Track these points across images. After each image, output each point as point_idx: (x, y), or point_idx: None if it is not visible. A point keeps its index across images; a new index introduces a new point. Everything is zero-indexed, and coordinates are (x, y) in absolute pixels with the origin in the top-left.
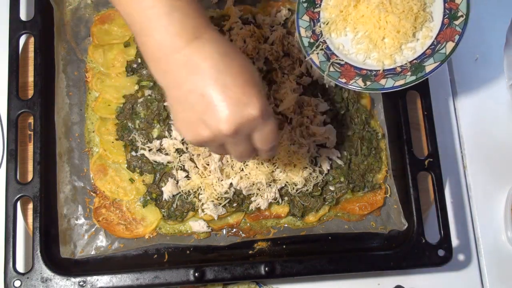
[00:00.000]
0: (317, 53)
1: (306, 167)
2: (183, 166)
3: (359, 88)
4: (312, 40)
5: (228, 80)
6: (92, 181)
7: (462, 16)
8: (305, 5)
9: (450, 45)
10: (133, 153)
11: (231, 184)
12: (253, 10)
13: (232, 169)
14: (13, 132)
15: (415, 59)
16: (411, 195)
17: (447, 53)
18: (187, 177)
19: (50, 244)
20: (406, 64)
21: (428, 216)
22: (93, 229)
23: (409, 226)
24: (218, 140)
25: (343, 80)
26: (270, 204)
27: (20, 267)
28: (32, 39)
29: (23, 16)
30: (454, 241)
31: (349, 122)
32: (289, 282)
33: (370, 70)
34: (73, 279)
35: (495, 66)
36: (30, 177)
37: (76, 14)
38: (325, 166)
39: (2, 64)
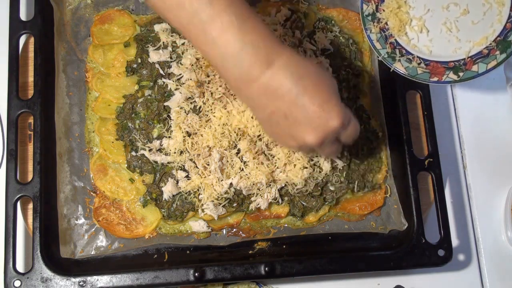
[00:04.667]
0: (399, 61)
1: (306, 167)
2: (183, 166)
3: (455, 81)
4: (389, 50)
5: (306, 101)
6: (92, 181)
7: None
8: (369, 18)
9: None
10: (133, 153)
11: (231, 184)
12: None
13: (232, 169)
14: (13, 132)
15: (498, 37)
16: (411, 195)
17: None
18: (187, 177)
19: (50, 244)
20: (491, 44)
21: (428, 216)
22: (93, 229)
23: (409, 226)
24: (307, 148)
25: (436, 79)
26: (270, 204)
27: (20, 267)
28: (32, 39)
29: (23, 16)
30: (454, 241)
31: None
32: (289, 282)
33: (457, 61)
34: (73, 279)
35: None
36: (30, 177)
37: (76, 14)
38: (325, 166)
39: (2, 64)
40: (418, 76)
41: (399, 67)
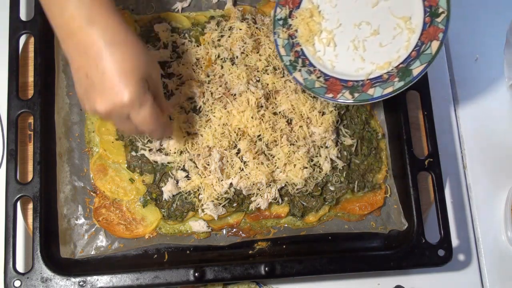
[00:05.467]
0: (300, 71)
1: (306, 167)
2: (183, 166)
3: (347, 102)
4: (293, 58)
5: (108, 68)
6: (92, 181)
7: (443, 12)
8: (280, 22)
9: (435, 44)
10: (133, 153)
11: (231, 184)
12: (253, 10)
13: (232, 169)
14: (13, 132)
15: (401, 63)
16: (411, 195)
17: (433, 53)
18: (187, 177)
19: (50, 244)
20: (392, 70)
21: (428, 216)
22: (93, 229)
23: (409, 226)
24: (98, 115)
25: (330, 95)
26: (270, 204)
27: (20, 267)
28: (32, 39)
29: (23, 16)
30: (454, 241)
31: (349, 122)
32: (289, 282)
33: (357, 81)
34: (73, 279)
35: (495, 66)
36: (30, 177)
37: None
38: (325, 166)
39: (2, 64)
40: (314, 89)
41: (298, 77)
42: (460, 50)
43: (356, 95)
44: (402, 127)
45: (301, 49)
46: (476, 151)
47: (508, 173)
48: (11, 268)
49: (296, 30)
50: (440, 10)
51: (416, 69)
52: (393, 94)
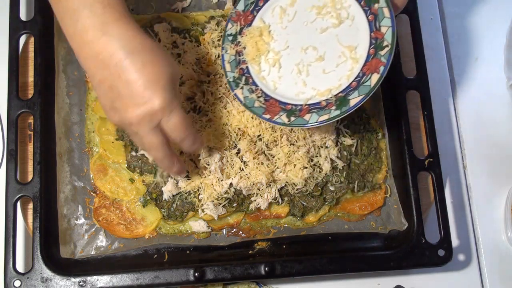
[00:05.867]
0: (242, 88)
1: (306, 167)
2: None
3: (283, 124)
4: (237, 75)
5: (132, 77)
6: (92, 181)
7: (387, 46)
8: (230, 38)
9: (375, 77)
10: (133, 153)
11: (231, 184)
12: None
13: (232, 169)
14: (13, 132)
15: (340, 92)
16: (411, 195)
17: (372, 85)
18: (187, 177)
19: (50, 244)
20: (331, 97)
21: (428, 216)
22: (93, 229)
23: (409, 226)
24: (127, 126)
25: (267, 116)
26: (270, 204)
27: (20, 267)
28: (32, 39)
29: (23, 16)
30: (454, 241)
31: (349, 122)
32: (289, 282)
33: (296, 105)
34: (73, 279)
35: (495, 66)
36: (30, 177)
37: None
38: (325, 166)
39: (2, 64)
40: (252, 108)
41: (239, 94)
42: (460, 50)
43: (292, 118)
44: (402, 127)
45: (247, 67)
46: (476, 151)
47: (508, 173)
48: (11, 268)
49: (244, 47)
50: (385, 43)
51: (354, 99)
52: (327, 123)
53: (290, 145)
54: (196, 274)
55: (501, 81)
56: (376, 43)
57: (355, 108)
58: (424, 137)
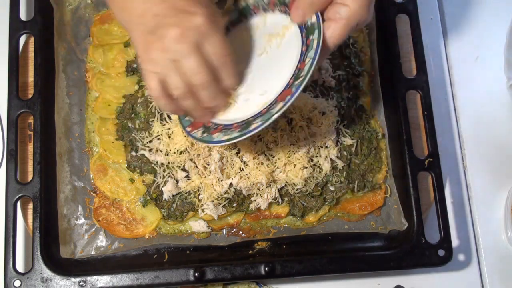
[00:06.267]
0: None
1: (306, 167)
2: (183, 166)
3: (194, 138)
4: None
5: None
6: (92, 181)
7: (301, 77)
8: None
9: (279, 105)
10: (133, 153)
11: (231, 184)
12: None
13: (232, 169)
14: (13, 132)
15: (251, 117)
16: (411, 195)
17: (273, 112)
18: (187, 177)
19: (50, 244)
20: (243, 121)
21: (428, 216)
22: (93, 229)
23: (409, 226)
24: (168, 51)
25: (189, 129)
26: (270, 204)
27: (20, 267)
28: (32, 39)
29: (23, 16)
30: (454, 241)
31: (350, 122)
32: (289, 282)
33: (215, 124)
34: (73, 279)
35: (495, 66)
36: (30, 177)
37: (76, 14)
38: (325, 166)
39: (2, 64)
40: (182, 121)
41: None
42: (460, 50)
43: (204, 134)
44: (402, 127)
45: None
46: (476, 151)
47: (508, 173)
48: (11, 268)
49: None
50: (301, 74)
51: (254, 124)
52: (225, 143)
53: (290, 145)
54: (196, 274)
55: (501, 81)
56: (297, 74)
57: (253, 133)
58: (424, 137)
